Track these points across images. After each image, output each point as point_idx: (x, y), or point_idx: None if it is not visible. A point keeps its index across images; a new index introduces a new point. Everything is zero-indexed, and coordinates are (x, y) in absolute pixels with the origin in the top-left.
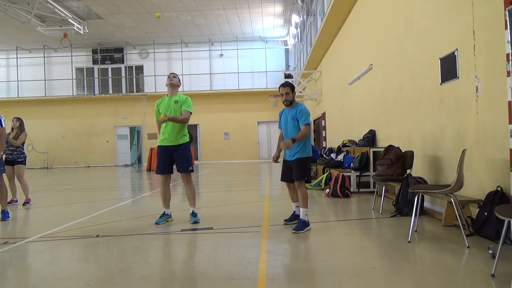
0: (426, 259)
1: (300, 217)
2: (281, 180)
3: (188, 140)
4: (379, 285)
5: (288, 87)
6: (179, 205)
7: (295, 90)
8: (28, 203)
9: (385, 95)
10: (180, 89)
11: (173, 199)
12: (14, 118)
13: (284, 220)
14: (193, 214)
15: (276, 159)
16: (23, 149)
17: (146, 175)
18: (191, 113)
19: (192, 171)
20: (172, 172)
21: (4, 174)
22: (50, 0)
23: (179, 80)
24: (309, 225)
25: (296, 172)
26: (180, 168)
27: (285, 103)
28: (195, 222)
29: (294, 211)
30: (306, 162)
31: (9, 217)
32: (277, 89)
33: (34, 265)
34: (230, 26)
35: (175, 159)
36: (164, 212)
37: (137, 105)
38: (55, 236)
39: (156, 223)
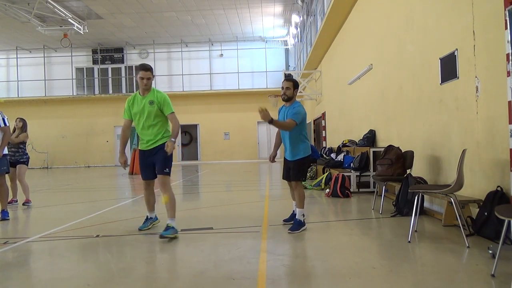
0: (426, 259)
1: (296, 217)
2: (283, 178)
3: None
4: (379, 285)
5: (290, 82)
6: (179, 206)
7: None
8: (28, 203)
9: (385, 95)
10: (179, 89)
11: None
12: (17, 118)
13: (283, 220)
14: (166, 228)
15: (273, 159)
16: (25, 149)
17: (132, 179)
18: (172, 112)
19: (167, 173)
20: (155, 177)
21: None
22: (50, 0)
23: (152, 73)
24: (305, 225)
25: (294, 173)
26: (156, 170)
27: (283, 97)
28: (162, 237)
29: (294, 211)
30: (305, 163)
31: (9, 217)
32: (277, 89)
33: (34, 265)
34: (230, 26)
35: (154, 161)
36: (147, 216)
37: None
38: (55, 236)
39: (140, 229)
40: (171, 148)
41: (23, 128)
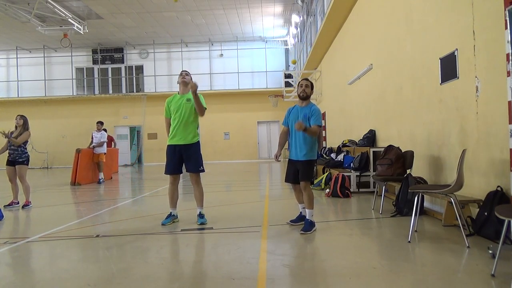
0: (426, 259)
1: (307, 218)
2: (286, 181)
3: (199, 140)
4: (379, 285)
5: (309, 81)
6: (179, 205)
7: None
8: (28, 205)
9: (385, 95)
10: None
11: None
12: (18, 116)
13: (290, 221)
14: (200, 215)
15: (277, 157)
16: (25, 148)
17: (74, 190)
18: (205, 108)
19: (203, 171)
20: (181, 172)
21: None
22: (50, 0)
23: (192, 78)
24: (315, 226)
25: (303, 173)
26: (189, 168)
27: (302, 94)
28: (202, 224)
29: (301, 212)
30: (313, 164)
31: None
32: (277, 89)
33: (34, 265)
34: (230, 26)
35: (185, 158)
36: (171, 212)
37: (137, 105)
38: (55, 236)
39: (163, 224)
40: (193, 84)
41: (24, 125)
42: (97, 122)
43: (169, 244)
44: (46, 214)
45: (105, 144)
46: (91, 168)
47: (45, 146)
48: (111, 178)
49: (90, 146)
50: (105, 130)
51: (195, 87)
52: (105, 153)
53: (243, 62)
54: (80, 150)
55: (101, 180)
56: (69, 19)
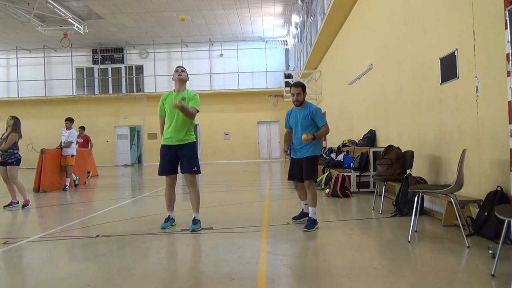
0: (426, 259)
1: (310, 216)
2: (289, 179)
3: (195, 140)
4: (379, 285)
5: (300, 87)
6: (179, 205)
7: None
8: (27, 205)
9: (385, 95)
10: None
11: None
12: (9, 116)
13: (293, 218)
14: (194, 221)
15: (287, 151)
16: (13, 149)
17: (38, 198)
18: (198, 111)
19: (198, 172)
20: (177, 173)
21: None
22: (50, 0)
23: (187, 75)
24: (317, 223)
25: (307, 171)
26: (184, 169)
27: (295, 103)
28: (193, 231)
29: (303, 209)
30: (316, 161)
31: None
32: (277, 89)
33: (34, 265)
34: (230, 26)
35: (180, 158)
36: (169, 216)
37: (137, 105)
38: (55, 236)
39: (163, 228)
40: (175, 103)
41: (14, 126)
42: (66, 119)
43: (169, 244)
44: (46, 214)
45: (73, 145)
46: (59, 172)
47: (45, 146)
48: (85, 183)
49: (58, 147)
50: (83, 128)
51: (178, 106)
52: (72, 155)
53: (243, 62)
54: (44, 150)
55: (66, 187)
56: (69, 19)
